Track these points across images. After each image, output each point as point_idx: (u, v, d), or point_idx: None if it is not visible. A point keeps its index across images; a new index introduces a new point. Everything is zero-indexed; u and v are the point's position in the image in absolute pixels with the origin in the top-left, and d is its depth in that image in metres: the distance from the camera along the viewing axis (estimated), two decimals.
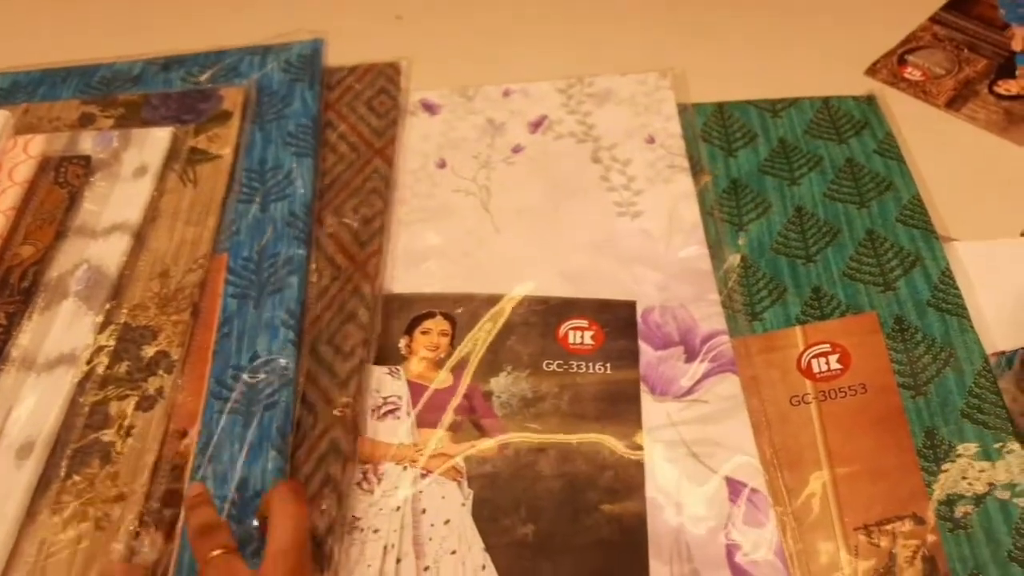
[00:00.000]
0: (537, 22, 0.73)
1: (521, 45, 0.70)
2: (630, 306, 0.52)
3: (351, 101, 0.62)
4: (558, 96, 0.65)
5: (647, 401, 0.49)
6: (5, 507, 0.43)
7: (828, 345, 0.49)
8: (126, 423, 0.47)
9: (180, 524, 0.43)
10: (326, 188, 0.58)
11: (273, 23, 0.68)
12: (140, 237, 0.54)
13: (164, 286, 0.52)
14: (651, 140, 0.61)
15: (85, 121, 0.61)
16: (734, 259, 0.55)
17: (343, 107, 0.62)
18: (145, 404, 0.47)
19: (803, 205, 0.56)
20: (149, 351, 0.49)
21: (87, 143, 0.59)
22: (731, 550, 0.43)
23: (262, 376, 0.48)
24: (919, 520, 0.43)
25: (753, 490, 0.45)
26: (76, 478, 0.45)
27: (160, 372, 0.48)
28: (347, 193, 0.57)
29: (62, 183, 0.55)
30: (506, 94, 0.65)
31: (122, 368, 0.48)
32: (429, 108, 0.64)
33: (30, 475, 0.44)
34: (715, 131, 0.62)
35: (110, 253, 0.53)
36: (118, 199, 0.55)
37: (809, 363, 0.49)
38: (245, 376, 0.48)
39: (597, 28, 0.72)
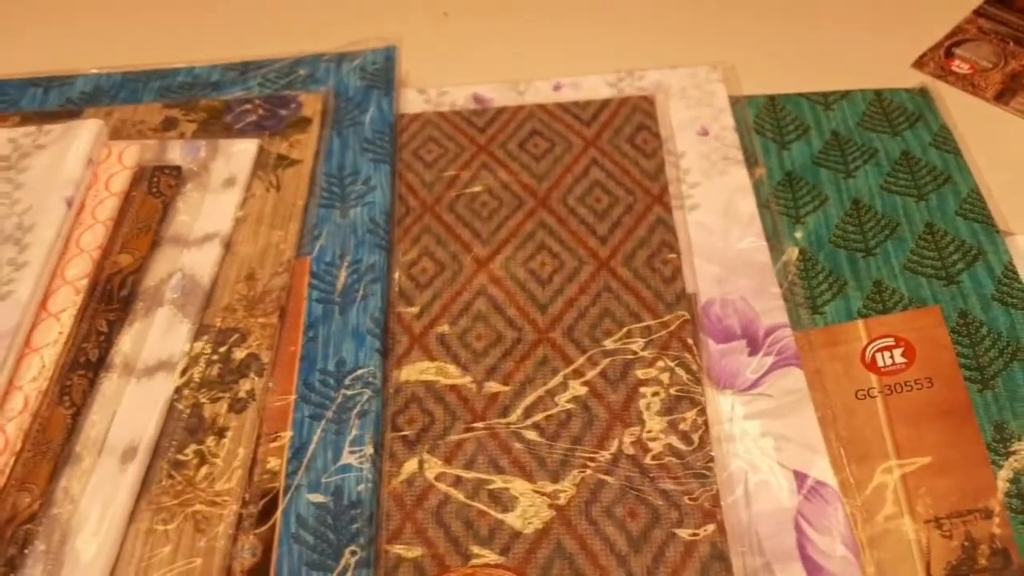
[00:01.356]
0: (585, 15, 0.69)
1: (570, 39, 0.67)
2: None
3: (612, 138, 0.57)
4: (608, 90, 0.61)
5: (711, 394, 0.46)
6: (111, 509, 0.42)
7: (892, 339, 0.46)
8: (219, 424, 0.45)
9: (279, 520, 0.42)
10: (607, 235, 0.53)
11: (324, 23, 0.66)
12: (229, 245, 0.52)
13: (251, 289, 0.50)
14: (704, 132, 0.58)
15: (168, 125, 0.59)
16: (792, 252, 0.51)
17: (605, 143, 0.57)
18: (237, 406, 0.45)
19: (860, 198, 0.53)
20: (239, 354, 0.47)
21: (175, 152, 0.56)
22: (802, 543, 0.41)
23: (351, 384, 0.46)
24: (990, 513, 0.40)
25: (822, 483, 0.42)
26: (176, 479, 0.43)
27: (251, 374, 0.46)
28: (633, 243, 0.52)
29: (155, 193, 0.53)
30: (557, 88, 0.62)
31: (214, 371, 0.47)
32: (480, 101, 0.61)
33: (134, 478, 0.43)
34: (767, 124, 0.58)
35: (203, 262, 0.51)
36: (209, 209, 0.53)
37: (873, 357, 0.46)
38: (333, 383, 0.46)
39: (646, 22, 0.68)
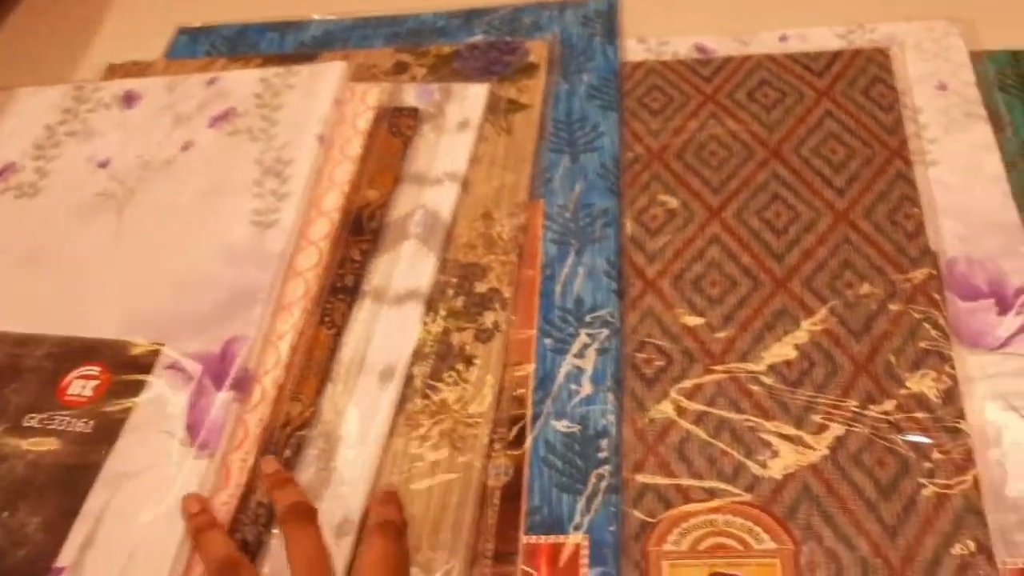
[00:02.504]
0: None
1: None
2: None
3: (845, 90, 0.57)
4: (838, 42, 0.61)
5: (959, 352, 0.45)
6: (373, 422, 0.45)
7: None
8: (467, 352, 0.47)
9: (529, 444, 0.44)
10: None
11: None
12: (465, 184, 0.54)
13: (488, 227, 0.52)
14: (943, 87, 0.57)
15: (399, 69, 0.62)
16: None
17: (838, 95, 0.57)
18: (483, 336, 0.48)
19: None
20: (482, 287, 0.50)
21: (410, 95, 0.59)
22: None
23: (591, 323, 0.48)
24: None
25: None
26: (431, 400, 0.46)
27: (496, 307, 0.49)
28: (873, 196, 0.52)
29: (395, 133, 0.56)
30: (783, 39, 0.61)
31: (459, 302, 0.49)
32: (703, 51, 0.61)
33: (392, 396, 0.46)
34: (1011, 80, 0.56)
35: (442, 200, 0.53)
36: (445, 150, 0.56)
37: None
38: (573, 321, 0.48)
39: None
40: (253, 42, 0.68)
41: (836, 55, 0.59)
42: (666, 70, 0.60)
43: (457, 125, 0.57)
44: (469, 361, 0.47)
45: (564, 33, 0.63)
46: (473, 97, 0.59)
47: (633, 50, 0.63)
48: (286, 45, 0.67)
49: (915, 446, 0.42)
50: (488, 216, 0.53)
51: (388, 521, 0.41)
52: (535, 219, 0.53)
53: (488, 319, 0.48)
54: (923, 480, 0.41)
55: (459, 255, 0.51)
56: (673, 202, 0.53)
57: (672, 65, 0.61)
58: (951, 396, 0.43)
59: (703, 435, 0.44)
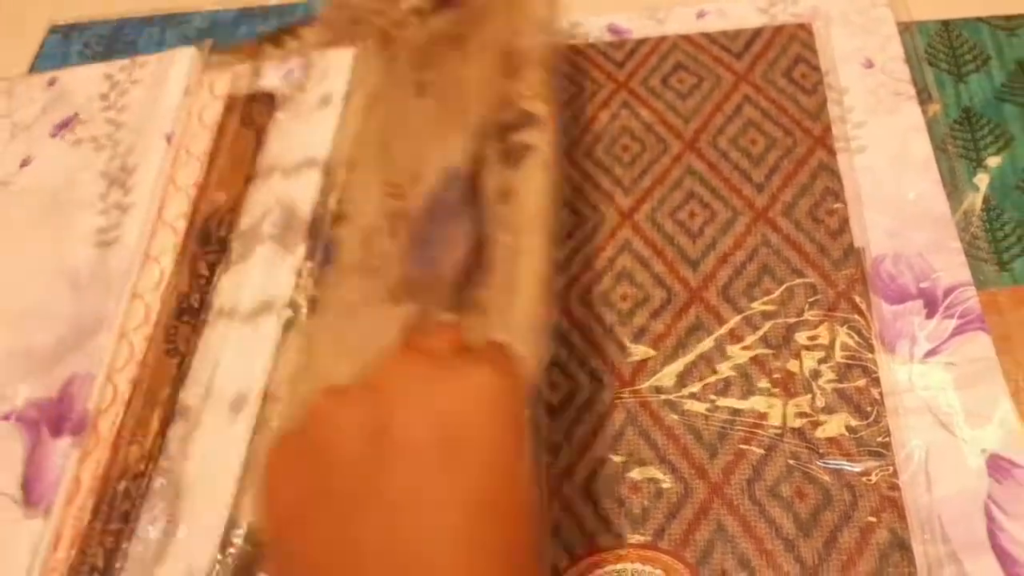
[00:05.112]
0: None
1: None
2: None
3: (766, 72, 0.53)
4: (759, 16, 0.57)
5: (884, 362, 0.43)
6: (222, 465, 0.41)
7: None
8: None
9: None
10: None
11: None
12: (329, 172, 0.49)
13: None
14: (870, 64, 0.53)
15: None
16: (974, 200, 0.47)
17: (758, 78, 0.53)
18: None
19: None
20: None
21: (271, 76, 0.54)
22: (993, 531, 0.38)
23: None
24: None
25: (1014, 463, 0.39)
26: None
27: None
28: (794, 191, 0.49)
29: (248, 123, 0.52)
30: (701, 16, 0.58)
31: None
32: (616, 32, 0.58)
33: (243, 428, 0.42)
34: (941, 53, 0.53)
35: (301, 191, 0.49)
36: (303, 133, 0.51)
37: None
38: None
39: None
40: (131, 39, 0.63)
41: (756, 33, 0.55)
42: (577, 56, 0.57)
43: (318, 102, 0.52)
44: None
45: None
46: (336, 67, 0.53)
47: None
48: (167, 40, 0.63)
49: (838, 473, 0.40)
50: None
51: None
52: None
53: None
54: (848, 512, 0.39)
55: None
56: (583, 205, 0.50)
57: (583, 50, 0.57)
58: (877, 415, 0.41)
59: (610, 470, 0.41)
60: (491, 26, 0.46)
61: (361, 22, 0.52)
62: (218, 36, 0.62)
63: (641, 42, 0.56)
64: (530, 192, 0.40)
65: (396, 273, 0.39)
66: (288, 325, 0.45)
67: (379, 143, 0.46)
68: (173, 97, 0.52)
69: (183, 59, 0.54)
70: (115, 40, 0.63)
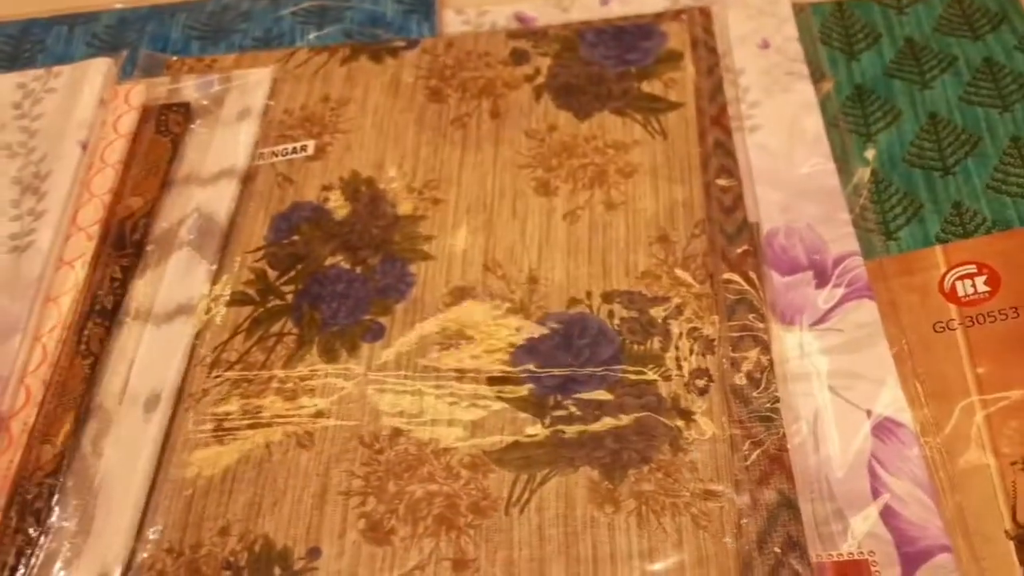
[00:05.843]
0: None
1: None
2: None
3: None
4: (661, 1, 0.58)
5: (776, 331, 0.44)
6: (135, 464, 0.42)
7: (973, 266, 0.44)
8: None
9: None
10: None
11: None
12: (247, 181, 0.51)
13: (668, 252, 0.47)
14: (765, 45, 0.55)
15: (519, 59, 0.55)
16: (863, 173, 0.49)
17: None
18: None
19: (937, 111, 0.50)
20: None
21: (190, 89, 0.55)
22: (876, 488, 0.39)
23: None
24: None
25: (897, 423, 0.41)
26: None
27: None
28: None
29: (163, 132, 0.53)
30: (604, 2, 0.59)
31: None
32: (523, 20, 0.59)
33: (156, 428, 0.43)
34: (834, 32, 0.55)
35: (218, 200, 0.50)
36: (221, 144, 0.52)
37: (953, 285, 0.44)
38: None
39: None
40: (39, 38, 0.63)
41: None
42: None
43: (236, 115, 0.54)
44: None
45: (377, 10, 0.60)
46: (255, 83, 0.55)
47: (450, 23, 0.60)
48: (75, 39, 0.62)
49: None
50: (665, 239, 0.47)
51: None
52: None
53: None
54: (737, 476, 0.40)
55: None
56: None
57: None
58: (767, 383, 0.42)
59: None
60: None
61: None
62: (127, 34, 0.62)
63: (543, 32, 0.57)
64: None
65: None
66: (203, 328, 0.46)
67: None
68: (88, 106, 0.52)
69: (98, 69, 0.54)
70: (23, 40, 0.63)
